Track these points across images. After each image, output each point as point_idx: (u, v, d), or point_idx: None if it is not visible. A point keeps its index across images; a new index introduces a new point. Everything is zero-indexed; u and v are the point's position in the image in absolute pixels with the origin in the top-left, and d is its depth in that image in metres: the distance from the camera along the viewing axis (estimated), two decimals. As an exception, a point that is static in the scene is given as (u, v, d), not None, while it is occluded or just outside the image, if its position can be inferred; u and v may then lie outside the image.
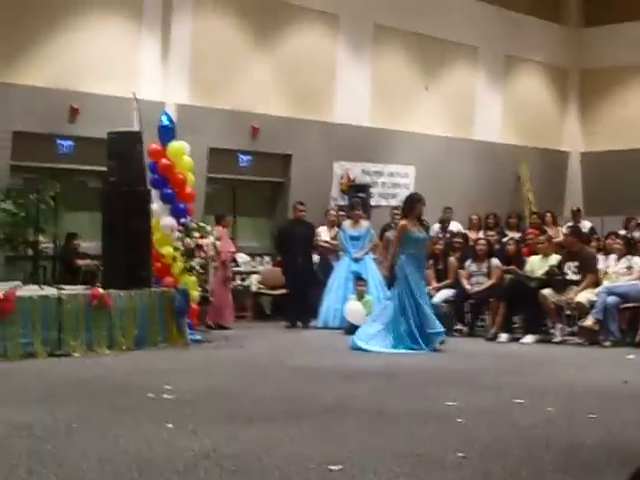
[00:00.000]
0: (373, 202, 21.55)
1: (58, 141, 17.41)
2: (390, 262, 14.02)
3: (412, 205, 14.03)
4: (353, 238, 17.29)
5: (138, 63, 18.18)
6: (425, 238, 14.32)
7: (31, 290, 13.22)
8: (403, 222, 13.90)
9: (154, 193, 14.60)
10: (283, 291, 17.91)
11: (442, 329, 13.81)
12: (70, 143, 17.53)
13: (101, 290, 13.37)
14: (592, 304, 14.47)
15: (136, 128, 14.67)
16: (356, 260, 17.05)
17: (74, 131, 17.33)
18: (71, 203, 16.20)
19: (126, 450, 7.09)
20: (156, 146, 14.76)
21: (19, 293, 12.72)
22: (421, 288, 13.93)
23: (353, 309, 15.85)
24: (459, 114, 24.31)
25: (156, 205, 14.57)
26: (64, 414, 8.50)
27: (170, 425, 7.99)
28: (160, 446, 7.23)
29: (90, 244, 16.42)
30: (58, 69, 16.80)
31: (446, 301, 16.11)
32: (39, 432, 7.74)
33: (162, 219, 14.55)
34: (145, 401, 9.23)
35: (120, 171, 14.02)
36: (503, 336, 14.95)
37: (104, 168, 14.89)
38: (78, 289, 13.85)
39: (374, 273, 17.12)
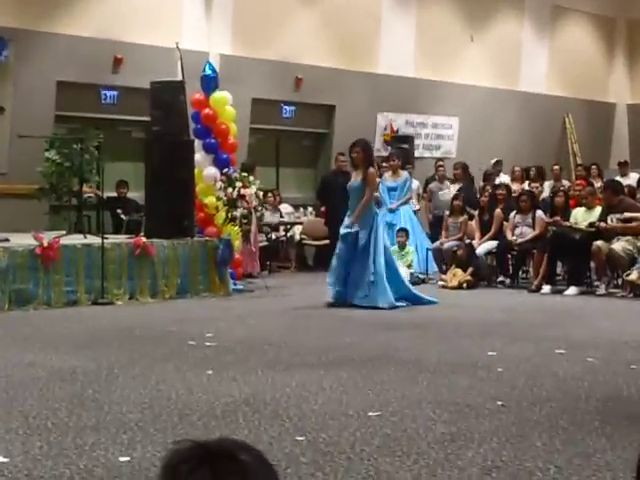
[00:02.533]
0: (417, 154, 21.45)
1: (102, 91, 17.46)
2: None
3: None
4: (390, 189, 17.22)
5: (182, 13, 18.14)
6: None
7: (75, 239, 13.34)
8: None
9: (197, 143, 14.63)
10: (326, 242, 17.91)
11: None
12: (114, 93, 17.57)
13: (144, 239, 13.46)
14: (628, 253, 14.35)
15: (179, 78, 14.66)
16: (391, 211, 16.99)
17: (118, 81, 17.36)
18: (115, 153, 16.25)
19: (166, 396, 7.18)
20: (199, 96, 14.76)
21: (63, 242, 12.84)
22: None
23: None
24: (505, 65, 24.07)
25: (199, 155, 14.60)
26: (106, 361, 8.60)
27: (210, 372, 8.07)
28: (200, 392, 7.31)
29: (134, 194, 16.49)
30: (102, 19, 16.81)
31: (489, 252, 16.06)
32: (81, 377, 7.85)
33: (205, 169, 14.58)
34: (186, 348, 9.31)
35: (163, 121, 14.04)
36: (546, 288, 14.88)
37: (147, 118, 14.92)
38: (122, 238, 13.96)
39: (413, 223, 17.06)
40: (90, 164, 14.84)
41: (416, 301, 13.05)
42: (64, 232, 13.87)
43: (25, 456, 5.55)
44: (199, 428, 6.21)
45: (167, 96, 14.08)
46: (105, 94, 17.50)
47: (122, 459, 5.52)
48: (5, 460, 5.46)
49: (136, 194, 16.21)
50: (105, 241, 12.99)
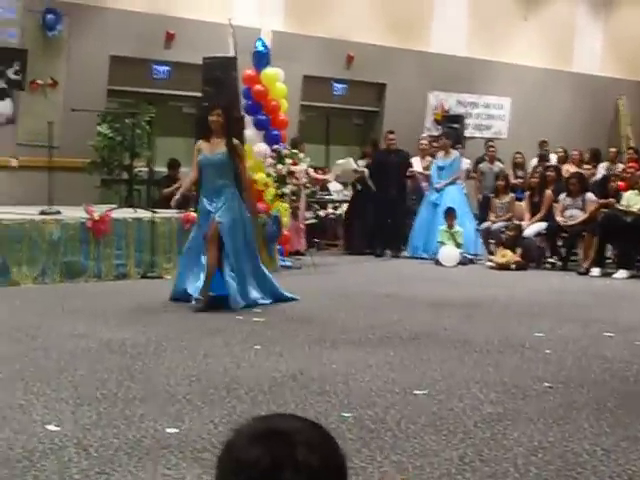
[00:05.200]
0: (467, 133, 21.34)
1: (154, 66, 17.52)
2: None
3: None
4: (440, 168, 17.14)
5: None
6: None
7: (126, 213, 13.44)
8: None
9: (248, 119, 14.66)
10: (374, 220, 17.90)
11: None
12: (166, 68, 17.63)
13: (193, 214, 13.51)
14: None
15: (231, 54, 14.69)
16: (437, 190, 16.91)
17: (170, 56, 17.41)
18: (166, 128, 16.33)
19: (214, 369, 7.23)
20: (250, 72, 14.78)
21: (114, 215, 12.95)
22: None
23: (446, 252, 15.74)
24: (558, 45, 23.86)
25: (250, 131, 14.63)
26: (155, 334, 8.68)
27: (258, 347, 8.11)
28: (248, 367, 7.35)
29: (184, 169, 16.55)
30: (155, -6, 16.87)
31: (539, 234, 15.96)
32: (130, 350, 7.93)
33: (255, 145, 14.61)
34: (234, 323, 9.37)
35: (214, 96, 14.06)
36: (595, 270, 14.77)
37: (199, 94, 14.97)
38: (171, 213, 14.03)
39: (461, 204, 16.96)
40: (141, 139, 14.93)
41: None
42: (115, 206, 13.98)
43: (75, 425, 5.62)
44: (246, 402, 6.26)
45: (219, 72, 14.11)
46: (157, 69, 17.56)
47: (170, 431, 5.57)
48: (56, 429, 5.54)
49: (186, 169, 16.27)
50: (155, 215, 13.07)
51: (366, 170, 17.21)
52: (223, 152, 10.37)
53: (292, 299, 10.92)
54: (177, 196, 10.98)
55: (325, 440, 1.83)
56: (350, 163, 17.27)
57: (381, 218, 17.16)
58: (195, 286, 10.54)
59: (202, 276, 10.47)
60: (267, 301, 10.70)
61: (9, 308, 10.04)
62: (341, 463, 1.84)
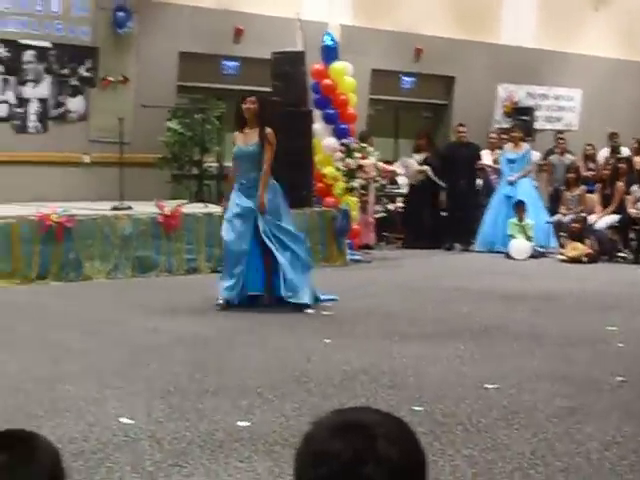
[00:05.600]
0: (537, 125, 21.14)
1: (223, 62, 17.62)
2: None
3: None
4: (510, 161, 16.99)
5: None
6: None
7: (196, 208, 13.54)
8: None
9: (316, 113, 14.68)
10: (444, 214, 17.81)
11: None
12: (235, 64, 17.72)
13: (263, 209, 13.56)
14: None
15: (300, 48, 14.72)
16: (510, 183, 16.77)
17: (239, 52, 17.49)
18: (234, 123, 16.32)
19: (285, 363, 7.26)
20: (319, 66, 14.81)
21: (185, 210, 13.05)
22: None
23: (517, 245, 15.62)
24: (630, 35, 23.52)
25: (318, 125, 14.65)
26: (226, 327, 8.74)
27: (328, 340, 8.13)
28: (318, 360, 7.38)
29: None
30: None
31: (611, 227, 15.78)
32: (202, 343, 8.00)
33: (324, 139, 14.63)
34: (305, 317, 9.39)
35: (284, 91, 14.13)
36: (669, 263, 14.59)
37: (268, 88, 15.02)
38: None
39: (532, 196, 16.81)
40: (211, 134, 15.03)
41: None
42: (185, 201, 14.09)
43: (148, 418, 5.69)
44: (317, 395, 6.28)
45: (287, 66, 14.15)
46: (226, 65, 17.65)
47: (241, 424, 5.61)
48: (130, 422, 5.60)
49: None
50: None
51: (427, 168, 17.09)
52: (256, 142, 9.91)
53: (329, 300, 10.21)
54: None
55: (405, 433, 1.83)
56: (412, 164, 17.12)
57: (451, 211, 17.09)
58: (227, 286, 9.86)
59: (235, 278, 9.84)
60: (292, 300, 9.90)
61: (82, 302, 10.17)
62: (422, 457, 1.84)
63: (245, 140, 10.01)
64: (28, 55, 15.12)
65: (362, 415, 1.83)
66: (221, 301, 9.82)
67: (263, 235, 9.93)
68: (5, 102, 15.03)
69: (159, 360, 7.28)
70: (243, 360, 7.34)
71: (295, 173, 13.72)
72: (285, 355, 7.56)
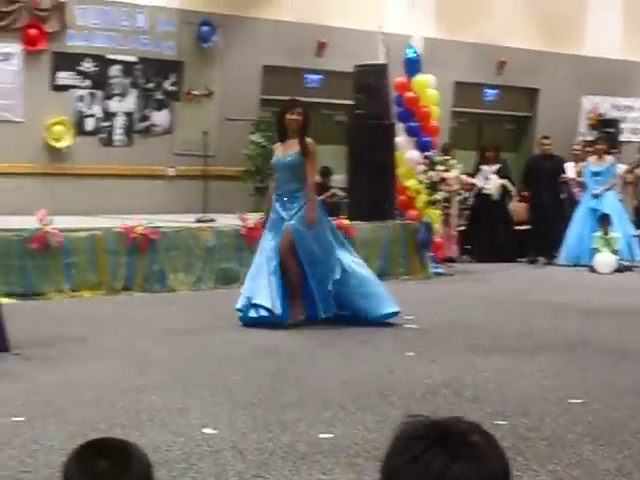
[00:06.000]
0: (623, 138, 20.89)
1: (306, 75, 17.73)
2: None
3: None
4: (595, 174, 16.79)
5: (385, -4, 18.23)
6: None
7: (279, 220, 13.59)
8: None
9: (399, 126, 14.68)
10: (527, 227, 17.68)
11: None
12: (318, 77, 17.81)
13: (346, 221, 13.60)
14: None
15: (383, 61, 14.75)
16: (595, 196, 16.56)
17: (321, 65, 17.58)
18: (318, 136, 16.38)
19: (367, 376, 7.26)
20: (402, 79, 14.80)
21: (267, 223, 13.11)
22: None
23: (602, 259, 15.41)
24: None
25: (401, 138, 14.64)
26: (308, 339, 8.77)
27: (411, 354, 8.11)
28: (400, 373, 7.36)
29: (336, 177, 16.69)
30: (306, 4, 17.04)
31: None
32: (284, 355, 8.03)
33: (407, 152, 14.62)
34: (387, 330, 9.38)
35: (366, 104, 14.17)
36: None
37: (350, 101, 15.07)
38: (323, 220, 14.14)
39: (617, 210, 16.58)
40: (293, 147, 15.08)
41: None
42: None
43: (231, 429, 5.72)
44: (399, 408, 6.26)
45: (370, 79, 14.19)
46: (309, 78, 17.75)
47: (323, 436, 5.62)
48: (213, 432, 5.65)
49: (338, 177, 16.40)
50: (307, 223, 13.18)
51: (506, 181, 16.96)
52: (296, 152, 9.57)
53: (391, 315, 9.73)
54: (265, 217, 10.04)
55: (494, 444, 1.83)
56: (496, 183, 16.94)
57: (534, 224, 16.94)
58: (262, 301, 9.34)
59: (270, 294, 9.35)
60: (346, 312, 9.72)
61: (166, 314, 10.28)
62: (508, 469, 1.83)
63: (284, 150, 9.71)
64: (115, 70, 15.39)
65: (453, 423, 1.82)
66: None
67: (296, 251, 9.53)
68: (92, 116, 15.30)
69: (242, 371, 7.32)
70: (325, 372, 7.36)
71: (378, 186, 13.76)
72: (367, 368, 7.55)
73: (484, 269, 15.35)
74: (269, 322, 9.20)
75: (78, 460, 2.02)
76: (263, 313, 9.29)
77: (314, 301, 9.61)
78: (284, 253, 9.49)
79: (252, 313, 9.34)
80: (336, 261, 9.63)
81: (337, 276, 9.54)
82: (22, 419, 5.84)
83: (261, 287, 9.41)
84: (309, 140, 9.66)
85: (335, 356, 8.04)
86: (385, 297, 9.85)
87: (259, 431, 5.69)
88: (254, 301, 9.34)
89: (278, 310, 9.31)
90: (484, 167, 17.06)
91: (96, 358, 7.79)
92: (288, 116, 9.63)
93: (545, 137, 17.59)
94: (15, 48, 14.63)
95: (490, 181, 16.89)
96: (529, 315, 10.56)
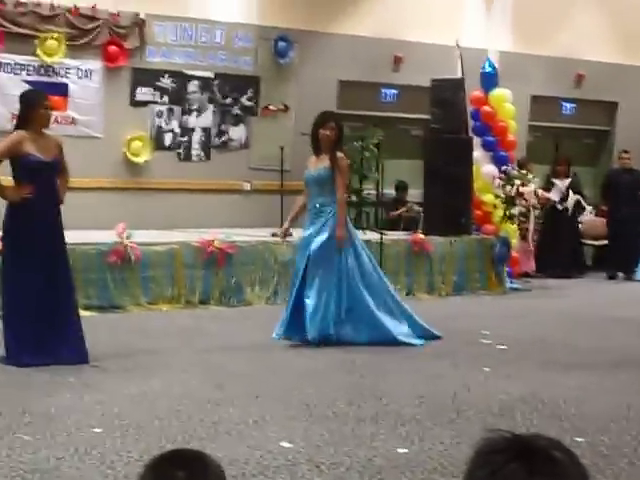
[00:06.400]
0: None
1: (382, 89, 17.73)
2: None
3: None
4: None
5: (462, 10, 18.15)
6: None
7: (354, 234, 13.60)
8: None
9: (476, 140, 14.62)
10: (605, 242, 17.47)
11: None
12: (393, 91, 17.79)
13: (422, 236, 13.58)
14: None
15: (459, 75, 14.71)
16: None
17: (398, 79, 17.56)
18: (393, 151, 16.44)
19: (443, 391, 7.23)
20: (478, 93, 14.74)
21: (343, 237, 13.12)
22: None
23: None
24: None
25: (477, 152, 14.57)
26: (383, 353, 8.75)
27: (487, 369, 8.06)
28: (477, 388, 7.32)
29: (412, 191, 16.66)
30: (382, 18, 17.04)
31: None
32: (360, 370, 8.03)
33: (483, 166, 14.55)
34: (462, 345, 9.32)
35: (443, 118, 14.14)
36: None
37: (426, 116, 15.05)
38: (400, 235, 14.13)
39: None
40: (370, 162, 15.11)
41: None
42: (344, 228, 14.18)
43: (307, 443, 5.73)
44: (476, 424, 6.22)
45: (447, 94, 14.16)
46: (385, 92, 17.75)
47: (400, 451, 5.61)
48: (289, 446, 5.66)
49: (414, 191, 16.37)
50: (384, 237, 13.19)
51: (578, 196, 16.77)
52: (325, 167, 9.37)
53: (414, 342, 9.26)
54: (286, 225, 10.13)
55: (575, 461, 1.81)
56: (572, 199, 16.74)
57: (613, 239, 16.73)
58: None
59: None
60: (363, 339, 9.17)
61: (242, 327, 10.34)
62: None
63: (316, 164, 9.54)
64: (192, 85, 15.54)
65: (534, 439, 1.81)
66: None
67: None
68: (170, 131, 15.46)
69: (317, 385, 7.33)
70: (401, 387, 7.34)
71: (454, 200, 13.71)
72: (443, 383, 7.52)
73: (561, 284, 15.17)
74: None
75: (155, 470, 2.04)
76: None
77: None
78: None
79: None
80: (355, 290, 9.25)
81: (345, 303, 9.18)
82: (101, 430, 5.91)
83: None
84: (340, 155, 9.46)
85: (411, 371, 8.02)
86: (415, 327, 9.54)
87: (335, 445, 5.69)
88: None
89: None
90: (556, 181, 16.85)
91: (173, 371, 7.86)
92: (321, 131, 9.46)
93: (625, 151, 17.38)
94: (95, 65, 14.84)
95: (562, 194, 16.72)
96: (608, 331, 10.43)
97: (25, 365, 7.78)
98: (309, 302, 9.12)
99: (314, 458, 5.43)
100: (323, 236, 9.24)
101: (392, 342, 9.09)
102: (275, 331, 9.28)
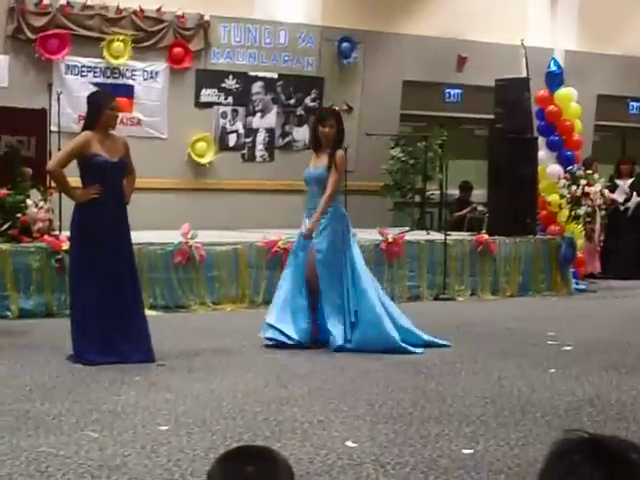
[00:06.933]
0: None
1: (446, 90, 17.69)
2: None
3: None
4: None
5: (527, 9, 18.05)
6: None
7: (418, 235, 13.59)
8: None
9: (541, 140, 14.51)
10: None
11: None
12: (458, 91, 17.75)
13: (486, 236, 13.51)
14: None
15: (524, 75, 14.62)
16: None
17: (461, 79, 17.51)
18: (457, 151, 16.39)
19: (508, 392, 7.18)
20: (544, 93, 14.63)
21: (407, 238, 13.12)
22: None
23: None
24: None
25: (542, 152, 14.47)
26: (448, 355, 8.72)
27: (553, 370, 7.99)
28: (542, 390, 7.26)
29: (476, 192, 16.59)
30: (447, 18, 17.00)
31: None
32: (424, 370, 8.00)
33: (548, 166, 14.43)
34: (527, 346, 9.26)
35: (507, 118, 14.07)
36: None
37: (491, 116, 14.97)
38: (464, 235, 14.07)
39: None
40: (434, 162, 15.08)
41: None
42: (408, 228, 14.18)
43: (372, 443, 5.73)
44: (542, 425, 6.17)
45: (511, 93, 14.09)
46: (449, 92, 17.71)
47: (465, 451, 5.58)
48: (354, 445, 5.66)
49: (478, 192, 16.30)
50: (447, 238, 13.15)
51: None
52: (325, 165, 9.06)
53: (412, 350, 8.85)
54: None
55: None
56: (636, 200, 16.52)
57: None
58: (299, 328, 8.98)
59: (303, 318, 8.99)
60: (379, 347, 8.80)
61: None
62: None
63: (316, 163, 9.20)
64: (256, 86, 15.63)
65: (611, 440, 1.79)
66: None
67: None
68: (234, 132, 15.55)
69: (382, 386, 7.33)
70: (465, 388, 7.30)
71: (519, 200, 13.63)
72: (509, 384, 7.47)
73: (626, 285, 14.99)
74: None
75: (225, 465, 2.06)
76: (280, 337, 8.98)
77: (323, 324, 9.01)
78: (310, 280, 8.99)
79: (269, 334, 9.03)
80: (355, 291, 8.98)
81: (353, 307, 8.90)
82: (167, 428, 5.96)
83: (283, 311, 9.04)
84: (339, 152, 9.14)
85: (475, 371, 7.98)
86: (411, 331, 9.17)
87: (400, 445, 5.68)
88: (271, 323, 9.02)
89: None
90: (619, 182, 16.61)
91: (238, 370, 7.90)
92: (320, 128, 9.11)
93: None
94: (160, 66, 14.98)
95: (625, 194, 16.52)
96: (676, 333, 10.29)
97: (92, 363, 7.87)
98: (327, 309, 8.91)
99: (379, 458, 5.42)
100: (326, 239, 9.00)
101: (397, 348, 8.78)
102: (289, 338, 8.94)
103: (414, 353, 8.77)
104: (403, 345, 8.81)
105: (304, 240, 9.13)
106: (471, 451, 5.58)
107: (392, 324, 8.95)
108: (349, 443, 5.70)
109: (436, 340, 9.18)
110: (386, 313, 9.00)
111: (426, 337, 9.13)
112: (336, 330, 8.82)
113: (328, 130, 9.02)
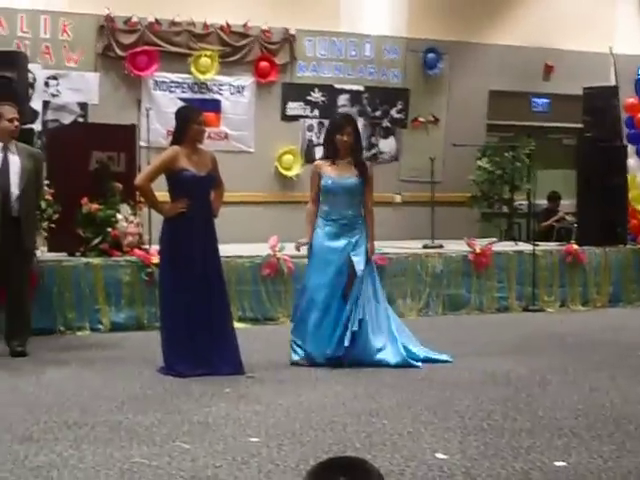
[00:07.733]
0: None
1: (533, 99, 17.55)
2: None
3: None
4: None
5: (615, 16, 17.82)
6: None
7: (506, 246, 13.49)
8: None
9: (630, 148, 14.32)
10: None
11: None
12: (545, 100, 17.60)
13: (575, 246, 13.35)
14: None
15: (612, 83, 14.44)
16: None
17: (549, 88, 17.36)
18: (545, 161, 16.23)
19: (601, 404, 7.08)
20: (633, 100, 14.44)
21: (495, 248, 13.03)
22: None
23: None
24: None
25: (632, 161, 14.27)
26: (539, 366, 8.63)
27: (645, 381, 7.87)
28: (636, 402, 7.15)
29: (564, 201, 16.42)
30: (533, 27, 16.87)
31: None
32: (515, 381, 7.93)
33: (638, 175, 14.23)
34: (620, 357, 9.13)
35: (596, 127, 13.90)
36: None
37: (579, 125, 14.81)
38: (552, 245, 13.93)
39: None
40: (521, 172, 14.95)
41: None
42: (496, 239, 14.08)
43: (463, 455, 5.69)
44: (636, 438, 6.07)
45: (600, 102, 13.92)
46: (536, 102, 17.56)
47: (558, 464, 5.51)
48: (444, 457, 5.63)
49: (566, 202, 16.13)
50: (536, 248, 13.03)
51: None
52: (356, 176, 8.76)
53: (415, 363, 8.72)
54: (304, 240, 8.96)
55: None
56: None
57: None
58: (333, 344, 8.66)
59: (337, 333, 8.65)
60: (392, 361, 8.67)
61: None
62: None
63: (339, 172, 8.77)
64: (342, 99, 15.68)
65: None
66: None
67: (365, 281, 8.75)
68: (321, 145, 15.58)
69: (472, 397, 7.28)
70: (557, 399, 7.22)
71: (609, 210, 13.46)
72: (601, 396, 7.37)
73: None
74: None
75: (317, 476, 2.06)
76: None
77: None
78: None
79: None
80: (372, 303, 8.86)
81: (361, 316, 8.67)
82: (257, 440, 5.99)
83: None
84: (369, 163, 9.20)
85: (567, 383, 7.89)
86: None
87: (491, 457, 5.63)
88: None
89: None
90: None
91: (327, 382, 7.91)
92: (338, 137, 8.77)
93: None
94: (247, 81, 15.11)
95: None
96: None
97: (182, 375, 7.95)
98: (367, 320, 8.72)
99: (470, 470, 5.38)
100: (362, 253, 8.75)
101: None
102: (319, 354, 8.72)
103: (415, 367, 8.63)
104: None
105: (334, 254, 8.72)
106: (564, 464, 5.51)
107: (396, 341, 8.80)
108: (439, 455, 5.67)
109: (435, 356, 8.95)
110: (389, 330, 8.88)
111: (423, 355, 8.92)
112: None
113: (346, 138, 8.74)
